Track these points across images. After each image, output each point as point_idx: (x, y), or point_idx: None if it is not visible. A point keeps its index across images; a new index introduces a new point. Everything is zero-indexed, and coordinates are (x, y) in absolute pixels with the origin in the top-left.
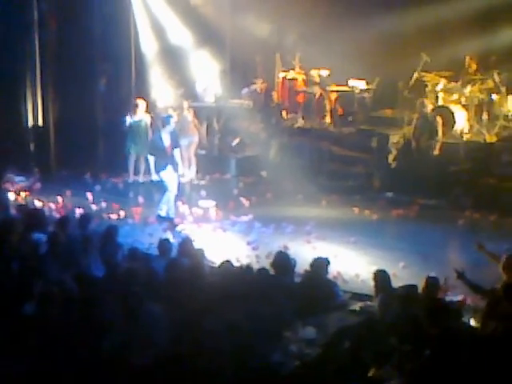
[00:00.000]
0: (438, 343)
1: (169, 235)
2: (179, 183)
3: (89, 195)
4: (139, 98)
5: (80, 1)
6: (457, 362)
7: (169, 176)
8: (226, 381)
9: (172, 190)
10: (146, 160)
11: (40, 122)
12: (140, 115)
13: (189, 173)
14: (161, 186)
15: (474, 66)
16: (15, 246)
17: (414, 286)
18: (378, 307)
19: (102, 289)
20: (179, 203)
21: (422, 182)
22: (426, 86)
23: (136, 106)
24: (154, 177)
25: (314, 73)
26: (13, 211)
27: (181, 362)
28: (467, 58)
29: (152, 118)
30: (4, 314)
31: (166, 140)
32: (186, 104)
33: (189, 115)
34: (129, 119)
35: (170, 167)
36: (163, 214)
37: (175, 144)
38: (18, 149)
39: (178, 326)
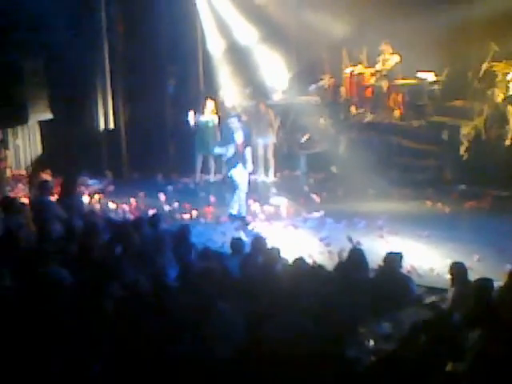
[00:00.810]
0: None
1: (241, 233)
2: (250, 181)
3: (161, 196)
4: (209, 98)
5: (146, 4)
6: None
7: (239, 174)
8: (302, 374)
9: (243, 188)
10: (215, 159)
11: (111, 125)
12: (208, 115)
13: (266, 174)
14: (231, 185)
15: None
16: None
17: (489, 280)
18: (453, 300)
19: (177, 289)
20: (250, 201)
21: (494, 173)
22: (497, 75)
23: (204, 105)
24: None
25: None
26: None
27: (256, 358)
28: None
29: (219, 117)
30: (82, 314)
31: (239, 138)
32: (262, 104)
33: (266, 115)
34: (192, 117)
35: (240, 165)
36: (235, 212)
37: (247, 143)
38: (90, 152)
39: (253, 323)
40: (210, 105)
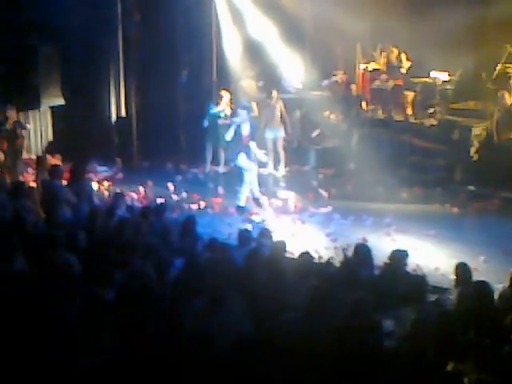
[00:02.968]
0: None
1: (248, 225)
2: (259, 174)
3: (170, 185)
4: (224, 89)
5: None
6: None
7: (247, 166)
8: (306, 368)
9: (251, 181)
10: (226, 151)
11: (123, 113)
12: (222, 106)
13: (276, 169)
14: (240, 177)
15: None
16: (99, 234)
17: (487, 282)
18: (457, 300)
19: (182, 279)
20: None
21: (503, 175)
22: (510, 77)
23: (220, 97)
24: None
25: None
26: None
27: (260, 350)
28: None
29: (232, 109)
30: (84, 302)
31: (245, 130)
32: (275, 94)
33: (277, 107)
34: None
35: (247, 157)
36: (243, 204)
37: (252, 137)
38: (101, 139)
39: (257, 315)
40: (225, 96)
